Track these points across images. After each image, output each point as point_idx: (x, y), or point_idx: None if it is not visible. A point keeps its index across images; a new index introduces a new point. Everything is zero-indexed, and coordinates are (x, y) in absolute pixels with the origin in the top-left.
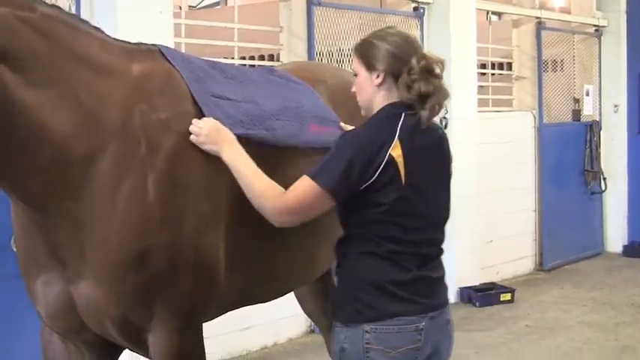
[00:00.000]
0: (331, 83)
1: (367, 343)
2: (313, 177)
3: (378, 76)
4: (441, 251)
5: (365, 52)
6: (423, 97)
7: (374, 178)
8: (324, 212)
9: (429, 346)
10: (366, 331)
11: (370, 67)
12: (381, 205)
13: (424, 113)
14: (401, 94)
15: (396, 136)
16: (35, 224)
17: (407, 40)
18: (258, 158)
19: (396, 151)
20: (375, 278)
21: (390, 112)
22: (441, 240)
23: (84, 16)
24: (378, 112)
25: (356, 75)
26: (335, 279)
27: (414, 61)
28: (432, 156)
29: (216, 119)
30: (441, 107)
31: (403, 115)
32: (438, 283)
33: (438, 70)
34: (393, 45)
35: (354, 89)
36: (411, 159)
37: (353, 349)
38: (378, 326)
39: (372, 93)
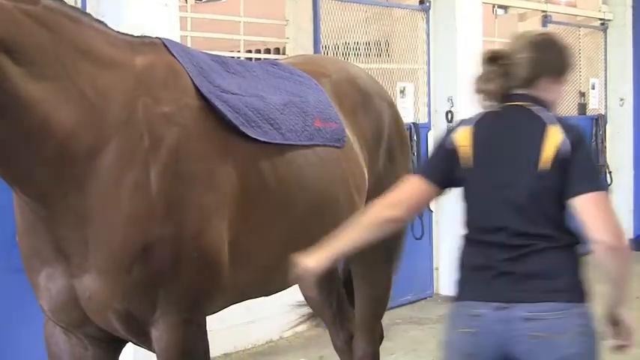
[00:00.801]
0: (335, 77)
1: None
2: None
3: None
4: (530, 245)
5: None
6: None
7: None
8: None
9: (492, 338)
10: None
11: None
12: None
13: None
14: None
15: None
16: (39, 218)
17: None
18: (262, 153)
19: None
20: (459, 261)
21: None
22: (529, 233)
23: (90, 8)
24: None
25: None
26: None
27: None
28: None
29: (222, 113)
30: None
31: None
32: (515, 277)
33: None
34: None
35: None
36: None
37: None
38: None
39: None
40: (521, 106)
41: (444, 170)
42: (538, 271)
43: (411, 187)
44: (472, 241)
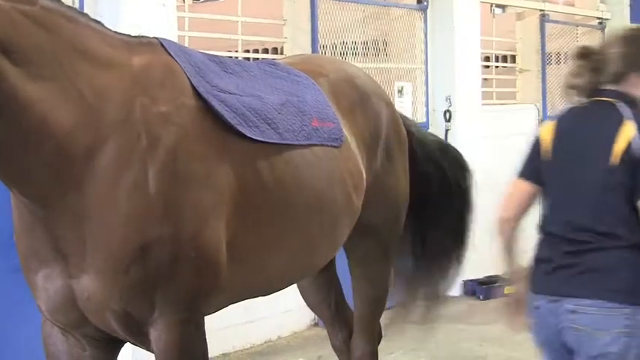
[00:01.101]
0: (333, 77)
1: None
2: None
3: None
4: (594, 242)
5: None
6: None
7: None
8: None
9: (548, 330)
10: None
11: None
12: None
13: None
14: None
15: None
16: (37, 218)
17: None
18: (259, 153)
19: None
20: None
21: None
22: (595, 230)
23: (87, 8)
24: None
25: None
26: None
27: None
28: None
29: (220, 113)
30: None
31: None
32: (572, 271)
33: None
34: None
35: None
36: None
37: None
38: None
39: None
40: (606, 101)
41: (536, 166)
42: (597, 267)
43: (514, 190)
44: (543, 234)
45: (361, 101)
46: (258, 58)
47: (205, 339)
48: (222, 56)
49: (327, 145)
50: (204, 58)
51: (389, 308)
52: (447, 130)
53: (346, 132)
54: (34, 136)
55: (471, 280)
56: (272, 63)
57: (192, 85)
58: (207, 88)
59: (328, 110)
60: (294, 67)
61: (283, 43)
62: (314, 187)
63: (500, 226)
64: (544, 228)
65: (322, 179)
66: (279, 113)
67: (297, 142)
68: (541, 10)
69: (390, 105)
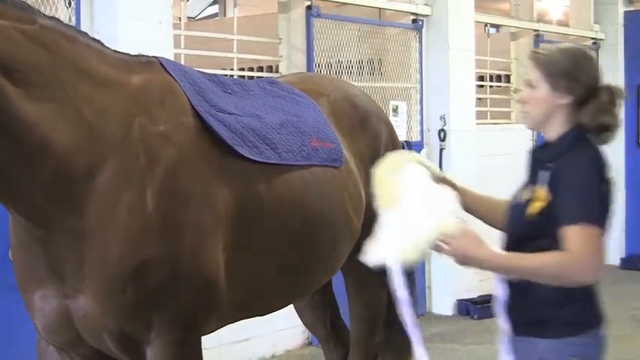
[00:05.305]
0: (333, 96)
1: None
2: (588, 222)
3: (561, 98)
4: None
5: (553, 71)
6: (604, 129)
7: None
8: None
9: None
10: None
11: (556, 87)
12: None
13: (602, 144)
14: (582, 120)
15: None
16: (34, 238)
17: (596, 67)
18: (258, 173)
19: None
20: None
21: (584, 136)
22: None
23: (84, 27)
24: (575, 133)
25: (532, 86)
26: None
27: (604, 94)
28: None
29: (218, 133)
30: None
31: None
32: None
33: (618, 103)
34: (584, 72)
35: (525, 96)
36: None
37: None
38: None
39: (551, 110)
40: None
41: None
42: None
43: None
44: None
45: (361, 121)
46: (253, 77)
47: (202, 358)
48: (221, 75)
49: (327, 166)
50: (203, 78)
51: None
52: (441, 150)
53: (346, 152)
54: (34, 157)
55: (464, 300)
56: (272, 82)
57: (191, 104)
58: (207, 108)
59: (328, 130)
60: (294, 85)
61: (279, 61)
62: (313, 208)
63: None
64: None
65: (321, 200)
66: (278, 133)
67: (296, 163)
68: (535, 31)
69: (388, 124)
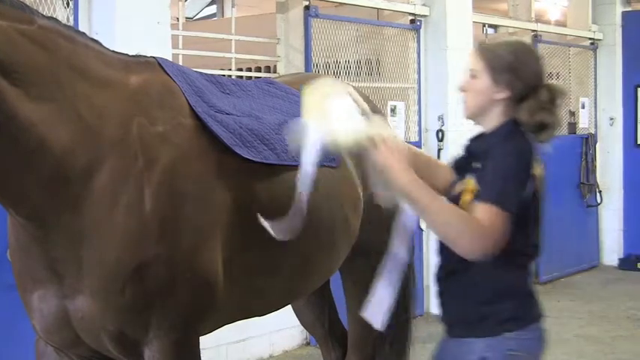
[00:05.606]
0: None
1: None
2: (501, 207)
3: (500, 92)
4: None
5: (496, 64)
6: (541, 127)
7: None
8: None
9: None
10: None
11: (497, 81)
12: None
13: (541, 143)
14: (520, 117)
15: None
16: (33, 238)
17: (540, 65)
18: (256, 174)
19: (537, 169)
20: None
21: (518, 130)
22: None
23: (82, 27)
24: (509, 126)
25: (474, 76)
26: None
27: (543, 92)
28: None
29: (216, 133)
30: (552, 138)
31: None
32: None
33: (558, 102)
34: (526, 69)
35: (464, 85)
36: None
37: None
38: None
39: (489, 103)
40: None
41: None
42: None
43: None
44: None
45: None
46: (251, 77)
47: (200, 359)
48: (219, 76)
49: (324, 166)
50: (201, 78)
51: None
52: (439, 150)
53: None
54: (32, 157)
55: None
56: (270, 82)
57: (189, 105)
58: (205, 108)
59: None
60: (292, 85)
61: (277, 61)
62: (311, 208)
63: None
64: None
65: (319, 200)
66: (276, 133)
67: (294, 163)
68: (533, 31)
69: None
